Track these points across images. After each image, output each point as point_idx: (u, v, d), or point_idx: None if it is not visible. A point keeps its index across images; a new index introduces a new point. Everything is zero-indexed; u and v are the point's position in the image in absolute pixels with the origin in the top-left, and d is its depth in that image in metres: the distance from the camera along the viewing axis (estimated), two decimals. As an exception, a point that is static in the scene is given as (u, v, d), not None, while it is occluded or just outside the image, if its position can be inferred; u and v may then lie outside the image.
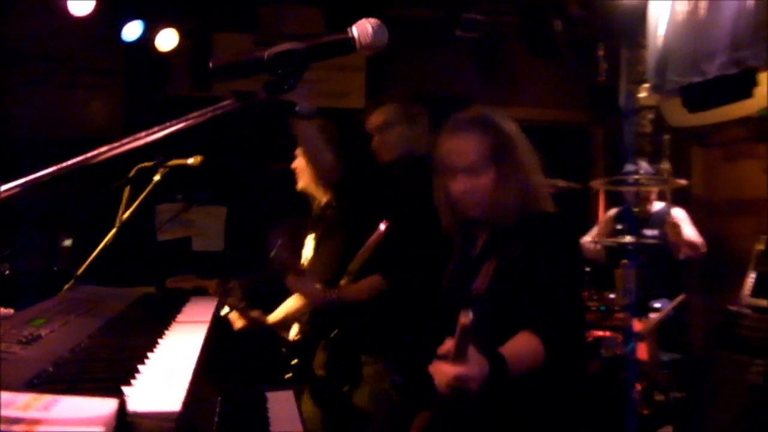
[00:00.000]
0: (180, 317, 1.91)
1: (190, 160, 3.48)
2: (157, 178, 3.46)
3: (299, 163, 3.49)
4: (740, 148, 5.06)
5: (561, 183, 4.86)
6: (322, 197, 3.54)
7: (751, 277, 3.17)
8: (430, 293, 2.48)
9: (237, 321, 3.40)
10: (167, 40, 5.53)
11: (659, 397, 4.48)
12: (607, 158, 6.66)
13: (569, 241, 2.33)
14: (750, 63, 4.41)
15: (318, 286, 3.05)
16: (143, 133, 1.39)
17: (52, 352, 1.28)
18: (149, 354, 1.37)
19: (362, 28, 1.45)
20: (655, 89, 5.32)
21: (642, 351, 4.56)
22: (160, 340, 1.52)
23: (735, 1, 4.56)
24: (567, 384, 2.18)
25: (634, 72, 6.07)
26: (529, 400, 2.13)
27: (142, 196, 3.42)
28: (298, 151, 3.47)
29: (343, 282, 3.18)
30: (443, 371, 1.78)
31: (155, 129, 1.40)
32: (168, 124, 1.47)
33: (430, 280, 2.50)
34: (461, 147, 2.27)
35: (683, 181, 4.51)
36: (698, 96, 5.05)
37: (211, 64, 1.47)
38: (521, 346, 2.00)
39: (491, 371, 1.83)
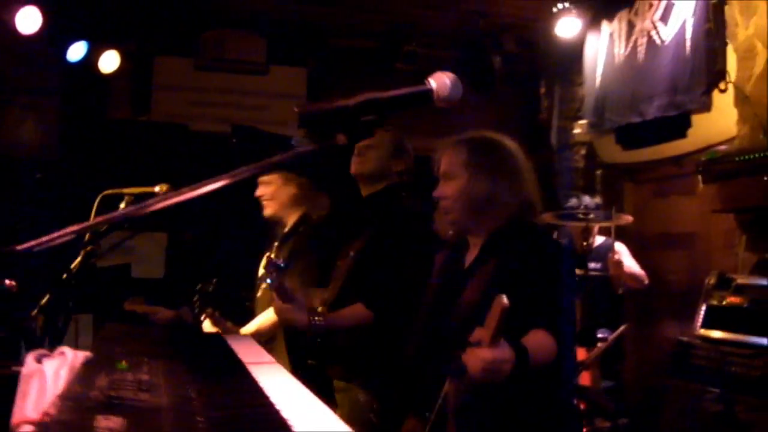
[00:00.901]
0: (245, 359, 1.88)
1: (157, 188, 3.41)
2: (122, 206, 3.38)
3: (268, 190, 3.55)
4: (670, 184, 5.34)
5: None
6: (289, 220, 3.61)
7: (702, 310, 3.36)
8: (409, 314, 2.60)
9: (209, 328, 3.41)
10: (109, 61, 5.40)
11: (603, 424, 4.66)
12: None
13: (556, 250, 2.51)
14: (688, 107, 4.68)
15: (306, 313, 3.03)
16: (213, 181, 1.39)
17: (183, 402, 1.25)
18: (273, 402, 1.35)
19: (440, 81, 1.53)
20: (593, 127, 5.58)
21: (585, 378, 4.75)
22: (263, 387, 1.49)
23: (672, 48, 4.84)
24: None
25: (566, 109, 6.35)
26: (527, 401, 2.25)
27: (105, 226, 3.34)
28: (269, 179, 3.54)
29: (320, 310, 3.19)
30: (479, 356, 1.88)
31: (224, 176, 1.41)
32: (240, 170, 1.48)
33: (409, 303, 2.63)
34: (442, 156, 2.51)
35: (629, 217, 4.73)
36: (632, 134, 5.34)
37: (297, 110, 1.48)
38: (538, 341, 2.12)
39: (516, 360, 1.94)
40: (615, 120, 5.35)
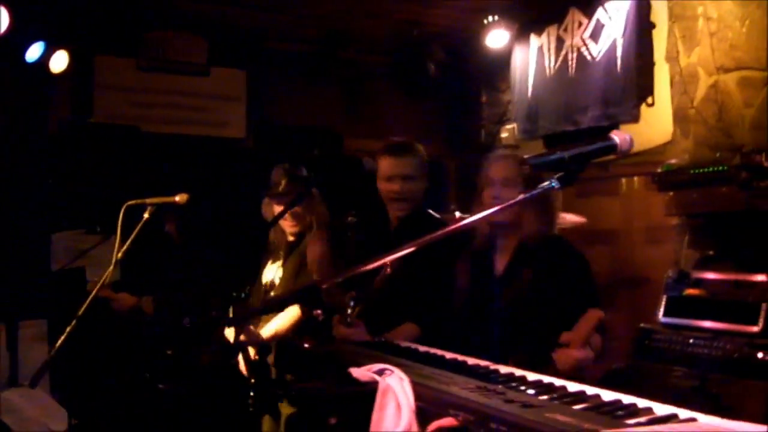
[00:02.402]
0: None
1: (177, 198, 3.56)
2: (146, 216, 3.51)
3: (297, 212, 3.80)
4: (593, 186, 5.89)
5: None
6: (291, 231, 3.84)
7: (663, 301, 3.87)
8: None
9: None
10: (59, 62, 5.34)
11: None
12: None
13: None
14: (620, 119, 5.21)
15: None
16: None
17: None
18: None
19: (622, 138, 1.86)
20: (526, 133, 6.06)
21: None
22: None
23: (603, 64, 5.36)
24: None
25: (491, 114, 6.81)
26: None
27: (133, 235, 3.46)
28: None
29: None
30: (573, 355, 2.29)
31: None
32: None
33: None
34: (502, 163, 2.97)
35: (581, 219, 5.15)
36: (560, 140, 5.85)
37: (527, 158, 1.77)
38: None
39: None
40: (549, 127, 5.84)
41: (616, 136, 1.85)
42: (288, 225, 3.92)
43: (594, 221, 5.93)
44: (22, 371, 4.98)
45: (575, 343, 2.28)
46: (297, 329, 3.65)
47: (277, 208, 3.89)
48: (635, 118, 5.11)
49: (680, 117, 4.33)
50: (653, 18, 5.01)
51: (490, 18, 6.15)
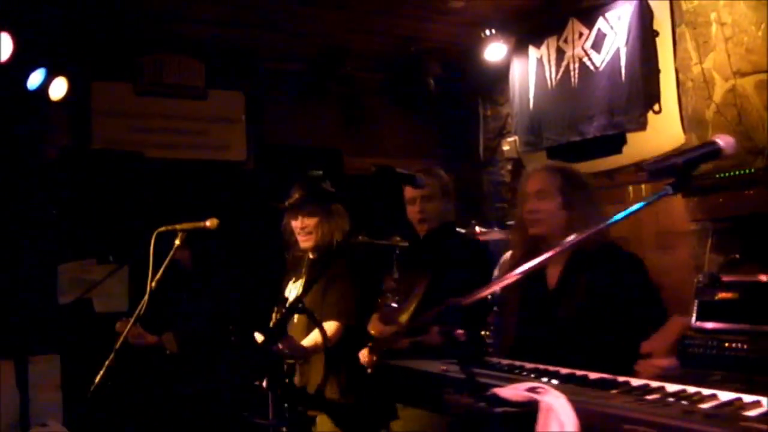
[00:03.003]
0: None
1: (207, 223, 3.50)
2: (177, 242, 3.45)
3: (311, 222, 3.77)
4: (599, 194, 5.90)
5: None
6: (305, 247, 3.81)
7: (695, 305, 3.88)
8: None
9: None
10: (58, 88, 5.26)
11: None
12: (456, 203, 7.30)
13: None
14: (626, 127, 5.24)
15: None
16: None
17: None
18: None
19: (726, 141, 1.84)
20: (529, 145, 6.06)
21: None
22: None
23: (607, 74, 5.39)
24: None
25: (491, 127, 6.83)
26: None
27: (166, 262, 3.40)
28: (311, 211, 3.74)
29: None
30: (658, 365, 2.28)
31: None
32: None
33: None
34: (536, 176, 2.98)
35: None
36: (565, 151, 5.87)
37: (647, 166, 1.75)
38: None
39: None
40: (554, 138, 5.84)
41: (720, 140, 1.83)
42: (302, 239, 3.88)
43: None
44: (33, 409, 4.86)
45: (658, 353, 2.26)
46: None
47: (294, 223, 3.87)
48: (642, 126, 5.15)
49: (696, 122, 4.35)
50: (656, 26, 5.06)
51: (488, 32, 6.16)
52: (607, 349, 2.58)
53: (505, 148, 6.51)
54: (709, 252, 4.20)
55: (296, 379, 3.75)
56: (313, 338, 3.63)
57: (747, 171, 3.80)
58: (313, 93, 6.52)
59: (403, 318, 3.30)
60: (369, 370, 3.42)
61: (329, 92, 6.59)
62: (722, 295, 3.78)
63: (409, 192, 3.67)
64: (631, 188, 5.62)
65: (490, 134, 6.81)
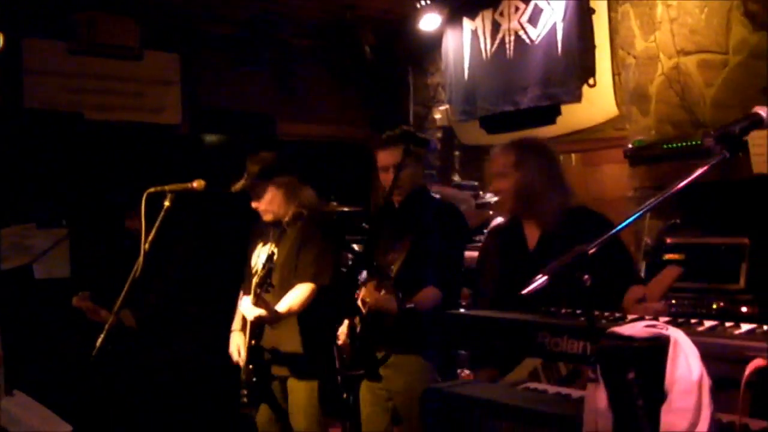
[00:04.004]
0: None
1: (194, 184, 3.51)
2: (167, 204, 3.44)
3: (264, 200, 3.89)
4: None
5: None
6: (285, 217, 3.89)
7: (643, 267, 4.20)
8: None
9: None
10: (-7, 44, 5.03)
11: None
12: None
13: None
14: (562, 98, 5.52)
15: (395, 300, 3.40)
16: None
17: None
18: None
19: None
20: (464, 114, 6.28)
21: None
22: None
23: (543, 47, 5.65)
24: None
25: (420, 96, 7.00)
26: None
27: (157, 223, 3.39)
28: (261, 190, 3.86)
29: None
30: (654, 309, 2.51)
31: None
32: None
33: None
34: (494, 158, 3.19)
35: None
36: (498, 120, 6.12)
37: (711, 135, 1.94)
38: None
39: None
40: (488, 108, 6.07)
41: (762, 111, 2.04)
42: (262, 214, 3.94)
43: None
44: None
45: (652, 298, 2.47)
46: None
47: (254, 203, 3.94)
48: (578, 98, 5.43)
49: (639, 96, 4.67)
50: (592, 4, 5.35)
51: (423, 2, 6.30)
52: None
53: (437, 116, 6.71)
54: (648, 218, 4.53)
55: (267, 341, 3.84)
56: (287, 303, 3.71)
57: (691, 143, 4.13)
58: (248, 57, 6.48)
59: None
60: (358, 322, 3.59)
61: (264, 57, 6.56)
62: (668, 256, 4.13)
63: (382, 159, 3.74)
64: (561, 157, 5.93)
65: (420, 103, 6.98)
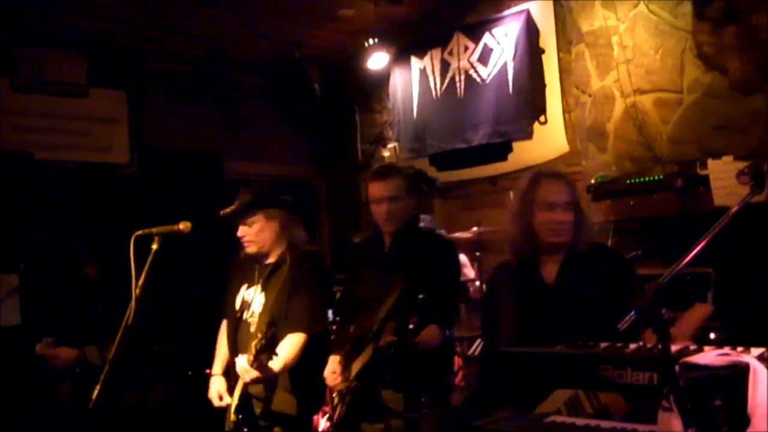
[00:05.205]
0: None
1: (181, 226, 3.44)
2: (155, 246, 3.35)
3: (252, 230, 3.77)
4: (479, 199, 6.33)
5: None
6: (273, 254, 3.82)
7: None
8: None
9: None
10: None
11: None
12: (329, 208, 7.50)
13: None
14: (513, 135, 5.68)
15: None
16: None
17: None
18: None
19: None
20: (413, 152, 6.35)
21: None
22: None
23: (495, 86, 5.79)
24: None
25: (367, 133, 7.06)
26: None
27: (146, 267, 3.30)
28: (252, 219, 3.76)
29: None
30: None
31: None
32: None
33: None
34: (562, 189, 3.05)
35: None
36: (447, 158, 6.23)
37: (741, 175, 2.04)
38: None
39: None
40: (438, 146, 6.18)
41: None
42: (247, 244, 3.85)
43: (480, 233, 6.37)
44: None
45: (685, 336, 2.54)
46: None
47: (241, 230, 3.85)
48: (529, 135, 5.60)
49: (596, 134, 4.85)
50: (542, 44, 5.54)
51: (371, 41, 6.38)
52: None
53: (386, 154, 6.77)
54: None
55: (258, 390, 3.67)
56: (282, 360, 3.54)
57: (652, 179, 4.31)
58: (196, 96, 6.42)
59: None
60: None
61: (211, 95, 6.52)
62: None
63: (376, 191, 3.67)
64: (511, 193, 6.06)
65: (367, 141, 7.04)
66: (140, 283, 3.21)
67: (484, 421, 2.13)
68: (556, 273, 3.05)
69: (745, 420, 1.52)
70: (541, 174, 3.13)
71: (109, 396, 3.84)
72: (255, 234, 3.77)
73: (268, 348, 3.36)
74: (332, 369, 3.62)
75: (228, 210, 3.79)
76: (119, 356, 3.14)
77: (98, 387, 3.09)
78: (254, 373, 3.46)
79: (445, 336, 3.51)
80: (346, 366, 3.60)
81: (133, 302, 3.18)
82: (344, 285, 4.16)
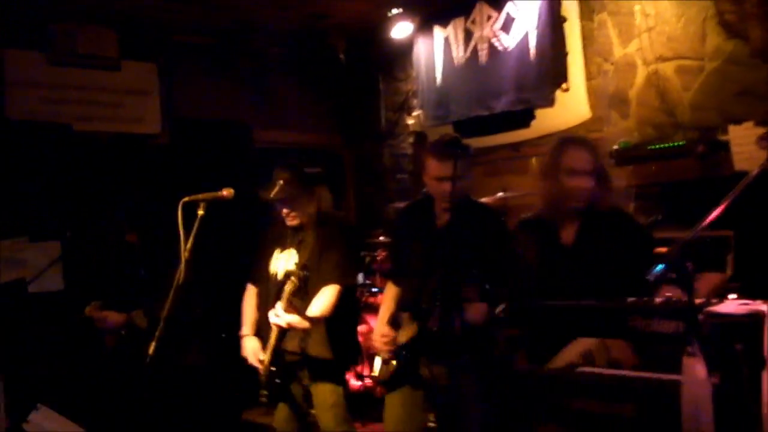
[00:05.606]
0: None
1: (224, 193, 3.59)
2: (201, 212, 3.50)
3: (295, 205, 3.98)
4: (504, 165, 6.44)
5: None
6: (305, 220, 4.01)
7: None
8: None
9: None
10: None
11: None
12: (356, 177, 7.65)
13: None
14: (536, 103, 5.79)
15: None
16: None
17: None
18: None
19: None
20: (437, 119, 6.48)
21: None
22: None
23: (516, 54, 5.90)
24: None
25: (391, 102, 7.19)
26: None
27: (193, 231, 3.46)
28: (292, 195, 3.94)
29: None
30: None
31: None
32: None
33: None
34: (585, 156, 3.18)
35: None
36: (472, 124, 6.35)
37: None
38: None
39: None
40: (461, 113, 6.30)
41: None
42: (288, 220, 4.04)
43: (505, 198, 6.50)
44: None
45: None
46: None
47: (280, 208, 4.03)
48: (551, 103, 5.70)
49: (618, 101, 4.95)
50: (564, 13, 5.62)
51: (394, 10, 6.49)
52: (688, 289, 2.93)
53: (410, 122, 6.89)
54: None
55: (292, 344, 3.88)
56: (318, 308, 3.78)
57: (673, 144, 4.43)
58: (224, 67, 6.57)
59: None
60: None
61: (239, 66, 6.66)
62: (658, 249, 4.40)
63: (439, 170, 3.59)
64: (533, 159, 6.20)
65: (391, 109, 7.17)
66: (188, 246, 3.38)
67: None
68: (573, 235, 3.21)
69: (762, 362, 1.68)
70: (566, 140, 3.29)
71: (162, 353, 4.09)
72: (298, 210, 3.97)
73: (300, 291, 3.59)
74: (382, 332, 3.70)
75: (274, 192, 3.94)
76: (172, 315, 3.31)
77: (154, 343, 3.25)
78: (289, 317, 3.68)
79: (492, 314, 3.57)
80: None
81: (182, 264, 3.34)
82: (390, 250, 4.25)
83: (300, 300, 3.76)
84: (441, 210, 3.69)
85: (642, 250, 3.15)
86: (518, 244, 3.45)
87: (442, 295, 3.35)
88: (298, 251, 4.01)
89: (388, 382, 3.70)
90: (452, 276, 3.33)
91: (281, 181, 3.93)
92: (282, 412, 4.04)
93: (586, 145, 3.25)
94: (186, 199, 3.45)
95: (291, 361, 3.89)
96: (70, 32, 5.78)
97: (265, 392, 3.87)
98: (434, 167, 3.63)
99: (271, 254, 4.12)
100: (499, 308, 3.24)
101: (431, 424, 3.85)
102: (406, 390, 3.64)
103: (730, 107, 4.39)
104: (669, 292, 2.86)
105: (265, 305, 3.98)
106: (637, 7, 4.78)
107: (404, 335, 3.64)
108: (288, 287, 3.66)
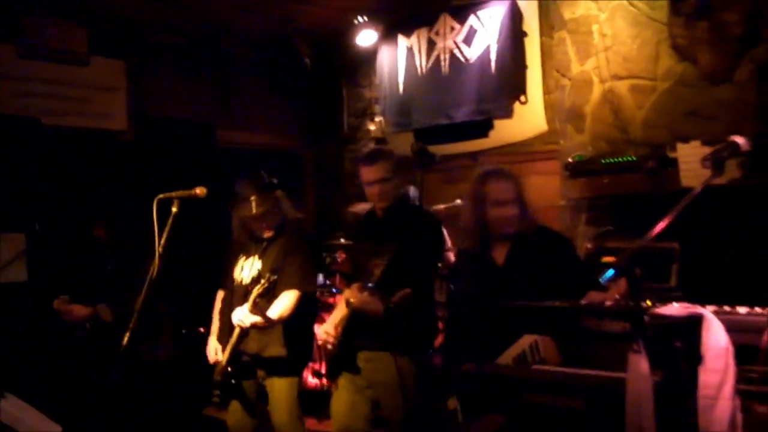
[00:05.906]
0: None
1: (197, 191, 3.69)
2: (174, 209, 3.60)
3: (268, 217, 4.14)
4: (461, 173, 6.63)
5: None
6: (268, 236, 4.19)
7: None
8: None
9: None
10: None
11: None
12: (317, 179, 7.80)
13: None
14: (494, 114, 6.00)
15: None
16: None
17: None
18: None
19: (742, 141, 2.42)
20: (398, 126, 6.66)
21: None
22: None
23: (477, 66, 6.10)
24: None
25: (353, 107, 7.35)
26: None
27: (167, 228, 3.55)
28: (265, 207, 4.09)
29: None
30: None
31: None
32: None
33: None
34: (508, 187, 3.38)
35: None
36: (432, 133, 6.53)
37: (708, 155, 2.36)
38: None
39: None
40: (423, 121, 6.48)
41: (738, 139, 2.46)
42: (266, 233, 4.19)
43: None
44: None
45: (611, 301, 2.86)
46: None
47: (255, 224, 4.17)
48: (509, 114, 5.93)
49: (575, 115, 5.18)
50: (525, 28, 5.85)
51: (360, 18, 6.66)
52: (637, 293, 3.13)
53: (371, 127, 7.07)
54: (583, 224, 5.05)
55: (251, 346, 4.08)
56: (278, 310, 3.95)
57: (626, 159, 4.67)
58: (191, 67, 6.66)
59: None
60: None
61: (206, 67, 6.76)
62: (606, 258, 4.63)
63: (367, 175, 3.95)
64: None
65: (353, 115, 7.33)
66: (162, 242, 3.48)
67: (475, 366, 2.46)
68: (505, 256, 3.39)
69: (699, 359, 1.88)
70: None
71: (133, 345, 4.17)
72: (268, 222, 4.12)
73: (266, 293, 3.74)
74: (326, 328, 3.93)
75: (252, 214, 4.06)
76: (145, 308, 3.41)
77: (127, 335, 3.34)
78: (253, 318, 3.84)
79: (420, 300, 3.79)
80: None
81: (156, 258, 3.44)
82: (348, 253, 4.49)
83: (266, 302, 3.92)
84: (379, 211, 4.04)
85: (570, 258, 3.40)
86: (454, 273, 3.71)
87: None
88: (261, 258, 4.16)
89: (329, 371, 4.01)
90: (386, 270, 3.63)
91: (253, 199, 4.06)
92: (235, 411, 4.18)
93: (506, 175, 3.43)
94: (161, 196, 3.55)
95: (246, 362, 4.06)
96: (40, 26, 5.81)
97: (217, 392, 4.02)
98: (363, 173, 4.00)
99: (236, 261, 4.27)
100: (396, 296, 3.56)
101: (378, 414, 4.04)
102: (348, 382, 3.92)
103: (679, 126, 4.65)
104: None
105: (230, 310, 4.13)
106: (595, 27, 5.02)
107: (338, 315, 3.90)
108: (256, 289, 3.80)
